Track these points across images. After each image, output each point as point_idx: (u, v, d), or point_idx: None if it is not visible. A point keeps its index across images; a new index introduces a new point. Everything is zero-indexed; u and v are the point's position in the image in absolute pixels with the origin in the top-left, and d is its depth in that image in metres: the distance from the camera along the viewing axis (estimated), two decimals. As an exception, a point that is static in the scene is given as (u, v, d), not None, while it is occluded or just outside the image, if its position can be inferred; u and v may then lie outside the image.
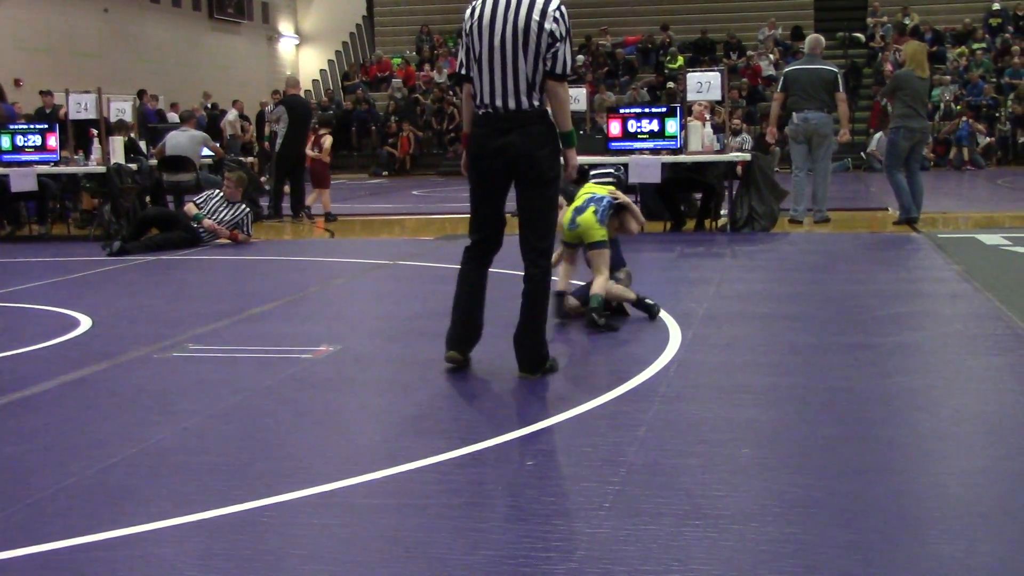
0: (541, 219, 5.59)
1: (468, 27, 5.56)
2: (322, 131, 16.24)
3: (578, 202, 7.06)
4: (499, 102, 5.47)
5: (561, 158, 5.70)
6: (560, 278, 6.99)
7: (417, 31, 33.18)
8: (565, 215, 6.98)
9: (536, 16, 5.42)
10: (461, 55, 5.67)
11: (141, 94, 24.84)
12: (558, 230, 6.39)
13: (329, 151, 16.04)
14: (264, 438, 4.69)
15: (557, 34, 5.44)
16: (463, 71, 5.63)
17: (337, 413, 5.15)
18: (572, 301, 7.05)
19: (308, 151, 15.92)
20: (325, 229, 14.40)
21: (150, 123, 20.46)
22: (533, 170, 5.51)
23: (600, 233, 6.95)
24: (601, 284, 6.86)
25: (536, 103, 5.51)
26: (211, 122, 25.12)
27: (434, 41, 32.50)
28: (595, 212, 6.99)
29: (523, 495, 3.89)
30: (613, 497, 3.77)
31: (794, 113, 13.00)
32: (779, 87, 13.48)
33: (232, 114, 25.48)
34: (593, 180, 7.32)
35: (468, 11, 5.58)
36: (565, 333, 6.93)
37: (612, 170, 7.53)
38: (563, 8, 5.51)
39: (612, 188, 7.23)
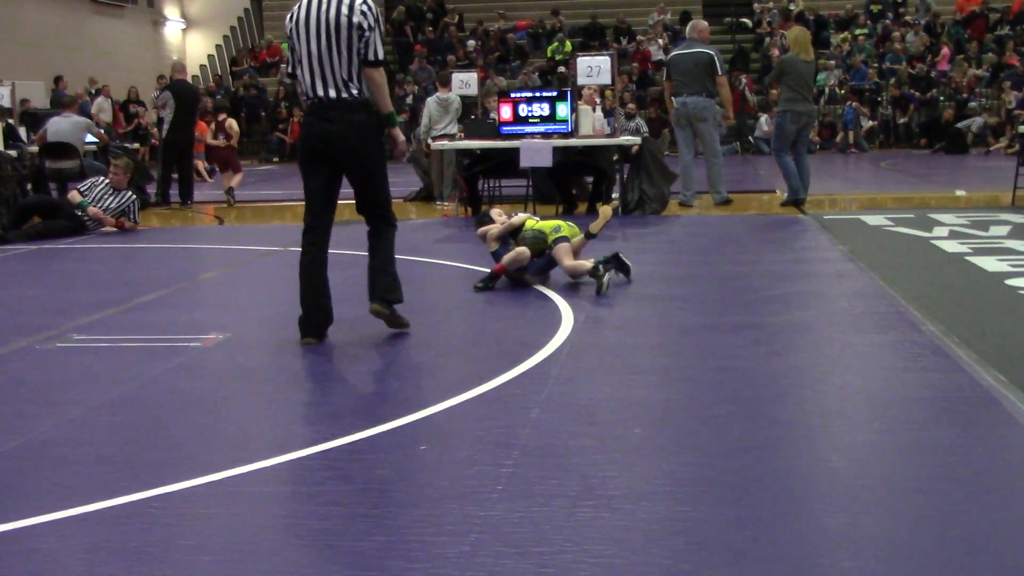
0: (374, 194, 6.17)
1: (289, 30, 6.06)
2: (221, 116, 16.02)
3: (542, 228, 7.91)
4: (321, 92, 5.97)
5: (388, 140, 6.28)
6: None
7: (306, 15, 32.72)
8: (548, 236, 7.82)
9: (345, 11, 5.92)
10: (288, 55, 6.23)
11: (57, 80, 24.19)
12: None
13: (237, 136, 15.91)
14: (151, 428, 4.59)
15: (365, 25, 5.93)
16: (290, 70, 6.21)
17: (226, 401, 5.07)
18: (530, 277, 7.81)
19: (211, 139, 15.70)
20: (215, 216, 14.17)
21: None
22: (356, 156, 6.05)
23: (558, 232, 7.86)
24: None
25: (355, 92, 5.99)
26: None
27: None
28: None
29: (416, 480, 3.88)
30: (506, 480, 3.77)
31: (674, 99, 13.17)
32: (664, 74, 13.64)
33: (99, 102, 24.77)
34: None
35: (288, 16, 6.05)
36: (458, 316, 6.93)
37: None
38: (370, 2, 5.99)
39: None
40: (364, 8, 5.92)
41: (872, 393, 4.91)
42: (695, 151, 13.32)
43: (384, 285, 6.14)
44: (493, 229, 7.97)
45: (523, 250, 7.65)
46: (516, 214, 8.22)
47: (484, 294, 7.46)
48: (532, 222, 8.01)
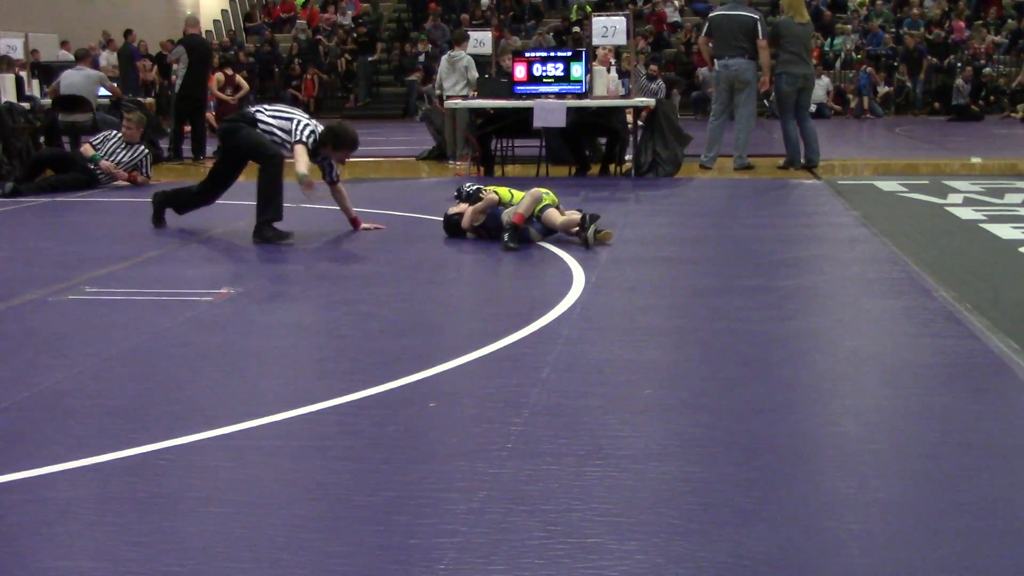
0: (255, 155, 8.45)
1: None
2: (230, 71, 16.07)
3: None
4: None
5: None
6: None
7: (321, -29, 32.60)
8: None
9: None
10: None
11: (127, 33, 24.18)
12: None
13: (247, 92, 16.02)
14: (162, 381, 4.61)
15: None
16: None
17: (237, 355, 5.08)
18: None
19: (219, 93, 15.74)
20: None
21: (136, 60, 20.13)
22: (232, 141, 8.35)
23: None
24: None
25: None
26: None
27: (338, -18, 31.97)
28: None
29: (425, 437, 3.89)
30: (515, 438, 3.78)
31: (715, 60, 13.01)
32: (704, 31, 13.48)
33: (106, 54, 24.66)
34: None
35: None
36: (469, 276, 6.93)
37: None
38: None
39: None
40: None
41: (883, 358, 4.90)
42: (728, 115, 13.08)
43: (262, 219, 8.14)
44: (468, 209, 7.89)
45: (535, 190, 7.62)
46: (482, 191, 8.03)
47: (496, 255, 7.43)
48: (508, 195, 7.89)
